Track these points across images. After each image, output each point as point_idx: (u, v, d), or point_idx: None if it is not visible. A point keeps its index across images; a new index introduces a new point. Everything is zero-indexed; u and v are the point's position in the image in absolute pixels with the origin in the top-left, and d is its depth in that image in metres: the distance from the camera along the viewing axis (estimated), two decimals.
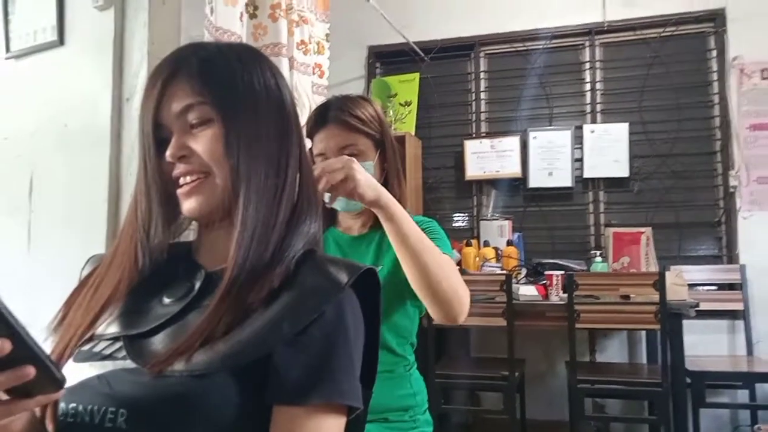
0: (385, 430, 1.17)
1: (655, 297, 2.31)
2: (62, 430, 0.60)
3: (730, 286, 3.06)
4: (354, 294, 0.64)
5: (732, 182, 3.10)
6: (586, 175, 3.31)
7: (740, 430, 2.95)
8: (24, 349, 0.49)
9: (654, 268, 2.87)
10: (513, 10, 3.45)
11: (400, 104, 3.54)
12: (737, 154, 3.11)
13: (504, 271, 2.83)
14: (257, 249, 0.64)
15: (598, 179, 3.33)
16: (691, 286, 2.82)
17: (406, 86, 3.56)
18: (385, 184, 1.19)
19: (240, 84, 0.67)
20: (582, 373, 2.48)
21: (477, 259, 3.06)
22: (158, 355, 0.60)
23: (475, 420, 3.29)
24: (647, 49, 3.31)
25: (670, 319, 2.37)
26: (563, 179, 3.34)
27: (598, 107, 3.39)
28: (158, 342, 0.63)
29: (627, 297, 2.45)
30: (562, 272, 2.60)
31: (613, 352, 3.18)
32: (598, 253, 3.02)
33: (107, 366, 0.62)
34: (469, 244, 3.11)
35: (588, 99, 3.40)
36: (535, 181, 3.37)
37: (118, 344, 0.64)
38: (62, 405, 0.60)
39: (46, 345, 0.61)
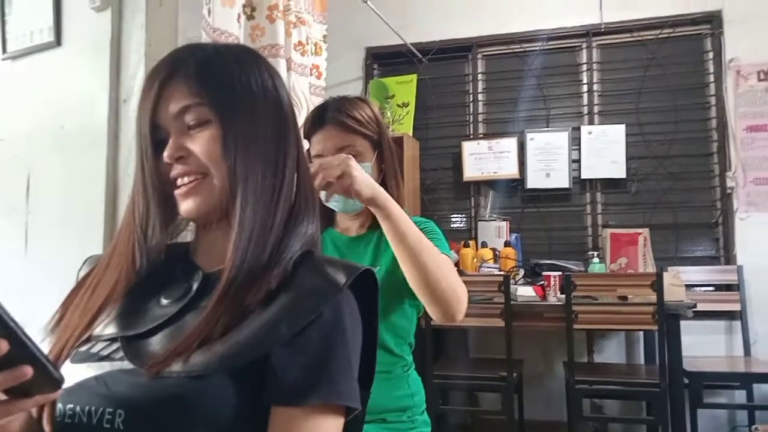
0: (383, 430, 1.16)
1: (653, 298, 2.31)
2: (60, 430, 0.60)
3: (728, 287, 3.07)
4: (352, 295, 0.64)
5: (729, 183, 3.11)
6: (584, 176, 3.32)
7: (738, 430, 2.95)
8: (21, 349, 0.49)
9: (651, 269, 2.88)
10: (510, 11, 3.45)
11: (398, 105, 3.54)
12: (734, 155, 3.12)
13: (502, 272, 2.84)
14: (255, 250, 0.64)
15: (596, 180, 3.34)
16: (689, 286, 2.82)
17: (404, 87, 3.56)
18: (383, 185, 1.19)
19: (237, 85, 0.67)
20: (580, 373, 2.48)
21: (475, 260, 3.06)
22: (156, 356, 0.60)
23: (473, 420, 3.28)
24: (644, 50, 3.32)
25: (668, 320, 2.38)
26: (561, 180, 3.34)
27: (596, 108, 3.40)
28: (156, 343, 0.63)
29: (625, 298, 2.45)
30: (560, 273, 2.60)
31: (611, 352, 3.19)
32: (595, 254, 3.03)
33: (105, 367, 0.62)
34: (466, 245, 3.11)
35: (585, 100, 3.41)
36: (532, 182, 3.37)
37: (116, 345, 0.64)
38: (60, 406, 0.60)
39: (44, 346, 0.61)
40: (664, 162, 3.25)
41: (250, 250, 0.64)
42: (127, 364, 0.61)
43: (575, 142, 3.34)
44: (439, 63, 3.58)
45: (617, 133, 3.27)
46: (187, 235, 0.75)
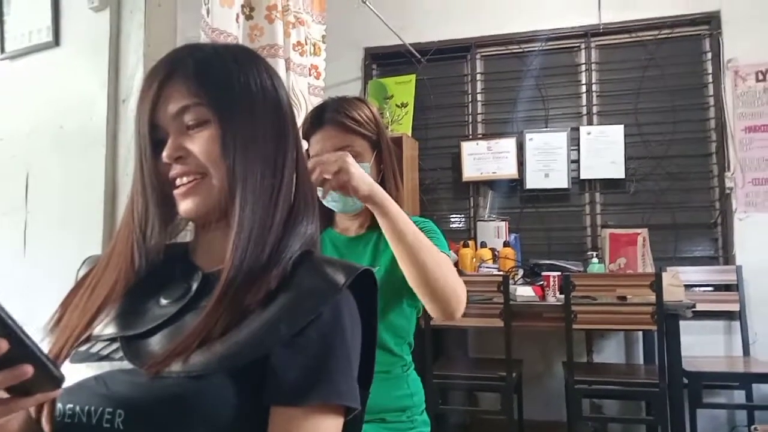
0: (382, 430, 1.16)
1: (652, 298, 2.32)
2: (60, 430, 0.60)
3: (727, 287, 3.07)
4: (351, 295, 0.64)
5: (728, 184, 3.12)
6: (583, 176, 3.32)
7: (737, 430, 2.96)
8: (21, 348, 0.49)
9: (650, 269, 2.88)
10: (509, 12, 3.45)
11: (397, 106, 3.54)
12: (732, 155, 3.12)
13: (501, 272, 2.84)
14: (254, 250, 0.64)
15: (595, 180, 3.34)
16: (688, 287, 2.82)
17: (403, 88, 3.56)
18: (382, 185, 1.19)
19: (236, 85, 0.67)
20: (579, 373, 2.48)
21: (474, 260, 3.06)
22: (155, 356, 0.60)
23: (472, 420, 3.28)
24: (643, 51, 3.32)
25: (667, 320, 2.38)
26: (560, 180, 3.34)
27: (594, 109, 3.40)
28: (155, 343, 0.63)
29: (624, 298, 2.46)
30: (559, 273, 2.60)
31: (610, 352, 3.19)
32: (594, 254, 3.03)
33: (104, 367, 0.62)
34: (466, 245, 3.12)
35: (584, 101, 3.41)
36: (531, 183, 3.38)
37: (115, 345, 0.64)
38: (59, 406, 0.60)
39: (43, 346, 0.61)
40: (662, 162, 3.25)
41: (250, 250, 0.64)
42: (126, 364, 0.61)
43: (574, 142, 3.34)
44: (437, 63, 3.58)
45: (616, 133, 3.28)
46: (186, 235, 0.75)
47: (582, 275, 2.66)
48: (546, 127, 3.44)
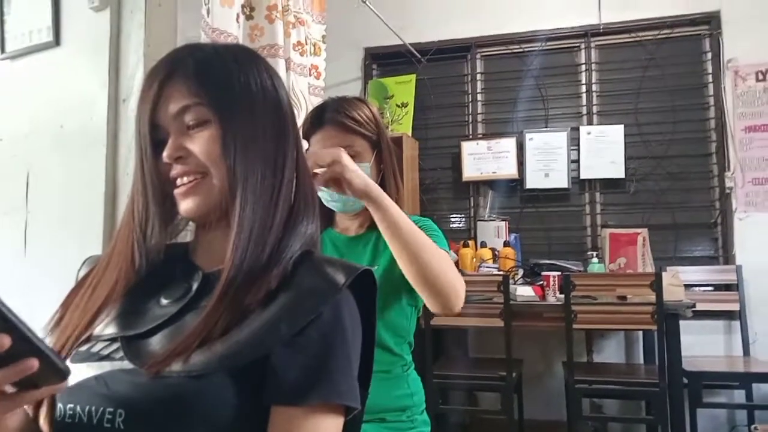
0: (382, 430, 1.17)
1: (652, 297, 2.32)
2: (60, 430, 0.60)
3: (727, 287, 3.07)
4: (351, 295, 0.64)
5: (728, 183, 3.12)
6: (583, 176, 3.32)
7: (737, 430, 2.96)
8: (24, 343, 0.50)
9: (650, 268, 2.88)
10: (509, 12, 3.46)
11: (397, 105, 3.54)
12: (732, 155, 3.12)
13: (501, 272, 2.83)
14: (254, 250, 0.64)
15: (595, 180, 3.34)
16: (688, 286, 2.83)
17: (403, 88, 3.56)
18: (382, 185, 1.19)
19: (236, 85, 0.67)
20: (579, 373, 2.48)
21: (474, 260, 3.06)
22: (156, 356, 0.60)
23: (472, 420, 3.29)
24: (643, 51, 3.32)
25: (667, 320, 2.38)
26: (560, 180, 3.34)
27: (594, 109, 3.40)
28: (156, 343, 0.63)
29: (624, 298, 2.46)
30: (559, 273, 2.60)
31: (610, 352, 3.19)
32: (594, 254, 3.03)
33: (105, 367, 0.62)
34: (466, 245, 3.12)
35: (584, 101, 3.41)
36: (531, 183, 3.38)
37: (116, 345, 0.64)
38: (60, 406, 0.60)
39: None
40: (662, 162, 3.25)
41: (250, 250, 0.64)
42: (127, 364, 0.61)
43: (574, 142, 3.34)
44: (438, 63, 3.58)
45: (616, 133, 3.28)
46: (187, 235, 0.75)
47: (582, 275, 2.66)
48: (546, 127, 3.44)
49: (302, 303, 0.61)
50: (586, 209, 3.38)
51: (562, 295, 2.45)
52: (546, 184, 3.36)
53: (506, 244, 3.13)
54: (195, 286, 0.67)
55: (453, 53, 3.59)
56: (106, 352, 0.64)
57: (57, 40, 1.59)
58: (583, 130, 3.33)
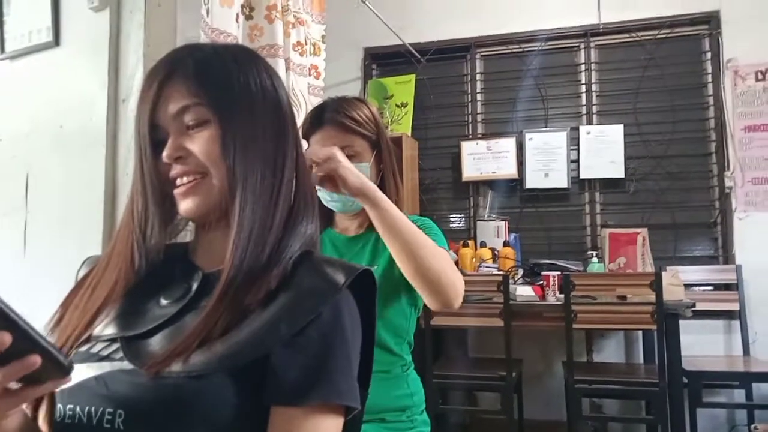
0: (382, 430, 1.17)
1: (652, 297, 2.32)
2: (60, 431, 0.60)
3: (726, 287, 3.07)
4: (351, 295, 0.64)
5: (727, 183, 3.12)
6: (582, 176, 3.32)
7: (737, 429, 2.96)
8: (26, 340, 0.50)
9: (650, 268, 2.88)
10: (509, 12, 3.46)
11: (397, 105, 3.54)
12: (732, 155, 3.12)
13: (501, 272, 2.84)
14: (254, 250, 0.64)
15: (594, 180, 3.34)
16: (688, 286, 2.83)
17: (403, 88, 3.56)
18: (382, 185, 1.19)
19: (236, 85, 0.67)
20: (579, 373, 2.48)
21: (474, 259, 3.06)
22: (155, 356, 0.60)
23: (472, 420, 3.29)
24: (642, 51, 3.32)
25: (667, 320, 2.38)
26: (559, 180, 3.34)
27: (594, 109, 3.40)
28: (155, 343, 0.63)
29: (624, 297, 2.46)
30: (559, 273, 2.60)
31: (610, 352, 3.19)
32: (594, 253, 3.03)
33: (104, 367, 0.62)
34: (465, 245, 3.12)
35: (583, 100, 3.41)
36: (531, 182, 3.38)
37: (116, 345, 0.64)
38: (60, 406, 0.60)
39: None
40: (662, 162, 3.25)
41: (250, 250, 0.64)
42: (126, 365, 0.61)
43: (574, 142, 3.35)
44: (437, 63, 3.58)
45: (616, 133, 3.28)
46: (186, 235, 0.75)
47: (582, 275, 2.66)
48: (546, 127, 3.44)
49: (302, 303, 0.61)
50: (585, 209, 3.38)
51: (562, 295, 2.45)
52: (546, 183, 3.36)
53: (506, 243, 3.13)
54: (195, 286, 0.67)
55: (452, 53, 3.59)
56: (105, 352, 0.63)
57: (57, 41, 1.60)
58: (583, 129, 3.33)
